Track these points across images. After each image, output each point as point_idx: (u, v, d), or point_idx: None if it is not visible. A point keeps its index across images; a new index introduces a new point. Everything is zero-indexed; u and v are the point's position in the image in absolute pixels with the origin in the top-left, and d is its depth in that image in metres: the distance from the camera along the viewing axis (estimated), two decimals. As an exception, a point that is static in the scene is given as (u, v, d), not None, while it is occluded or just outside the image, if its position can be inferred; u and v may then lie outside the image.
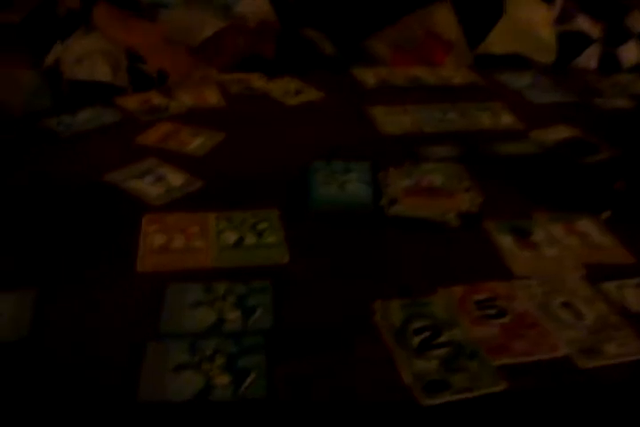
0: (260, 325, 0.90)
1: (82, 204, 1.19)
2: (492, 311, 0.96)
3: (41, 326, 0.92)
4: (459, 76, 1.84)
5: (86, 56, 1.84)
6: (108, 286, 0.99)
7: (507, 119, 1.58)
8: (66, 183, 1.25)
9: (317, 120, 1.56)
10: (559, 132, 1.56)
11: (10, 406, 0.80)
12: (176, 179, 1.24)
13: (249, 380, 0.82)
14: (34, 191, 1.23)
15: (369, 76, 1.81)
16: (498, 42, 2.07)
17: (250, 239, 1.08)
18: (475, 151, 1.43)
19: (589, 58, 2.11)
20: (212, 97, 1.63)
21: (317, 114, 1.60)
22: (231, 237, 1.08)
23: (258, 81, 1.74)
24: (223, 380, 0.82)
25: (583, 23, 2.10)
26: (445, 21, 2.05)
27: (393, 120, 1.56)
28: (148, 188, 1.21)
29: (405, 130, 1.52)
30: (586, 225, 1.19)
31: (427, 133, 1.51)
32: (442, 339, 0.90)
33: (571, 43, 2.09)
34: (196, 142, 1.39)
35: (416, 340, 0.89)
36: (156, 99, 1.59)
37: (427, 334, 0.91)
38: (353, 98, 1.70)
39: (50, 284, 1.00)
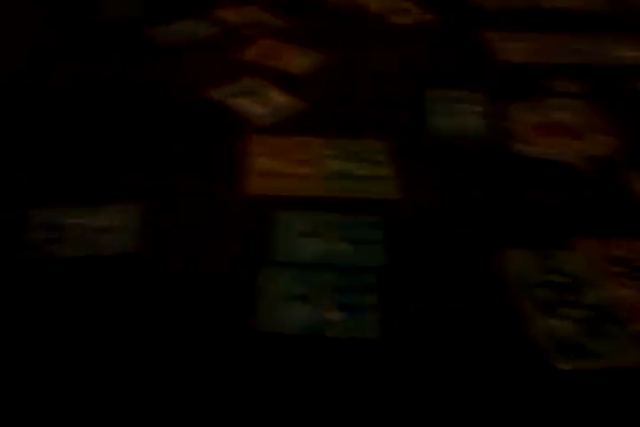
0: (372, 262, 0.81)
1: (184, 119, 1.11)
2: (636, 272, 0.86)
3: (150, 241, 0.86)
4: (589, 2, 1.65)
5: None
6: (213, 205, 0.93)
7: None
8: (168, 97, 1.16)
9: (429, 44, 1.42)
10: None
11: (123, 324, 0.76)
12: (280, 99, 1.14)
13: (361, 318, 0.75)
14: (136, 103, 1.15)
15: (487, -2, 1.65)
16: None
17: (360, 170, 0.98)
18: (610, 88, 1.27)
19: None
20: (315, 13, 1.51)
21: (430, 36, 1.44)
22: (340, 167, 0.98)
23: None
24: (334, 316, 0.75)
25: None
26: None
27: (515, 48, 1.41)
28: (251, 107, 1.11)
29: (529, 59, 1.36)
30: None
31: (554, 64, 1.33)
32: (580, 298, 0.79)
33: None
34: (299, 61, 1.27)
35: (549, 295, 0.79)
36: (257, 13, 1.49)
37: (562, 290, 0.80)
38: (469, 21, 1.55)
39: (155, 199, 0.94)
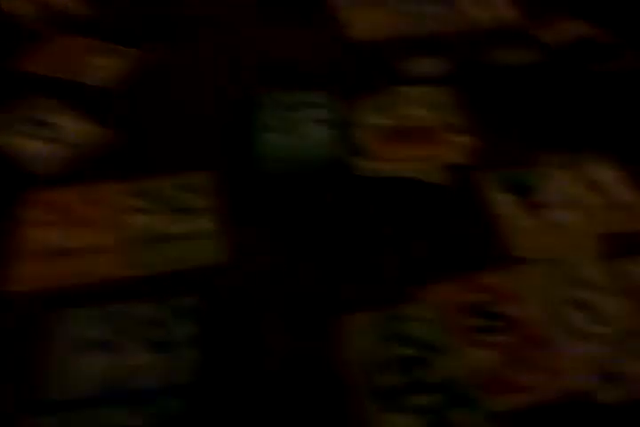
0: (178, 378, 0.64)
1: None
2: (491, 323, 0.74)
3: None
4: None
5: None
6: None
7: (505, 13, 1.26)
8: None
9: (255, 23, 1.19)
10: (570, 30, 1.26)
11: None
12: (73, 130, 0.91)
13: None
14: None
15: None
16: None
17: (173, 225, 0.79)
18: (468, 64, 1.10)
19: None
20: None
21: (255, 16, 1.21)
22: (148, 224, 0.80)
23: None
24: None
25: None
26: None
27: (364, 19, 1.22)
28: (30, 146, 0.87)
29: (379, 33, 1.18)
30: (602, 171, 0.93)
31: (407, 37, 1.17)
32: (427, 375, 0.68)
33: None
34: (101, 66, 1.03)
35: (393, 381, 0.67)
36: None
37: (409, 368, 0.68)
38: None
39: None
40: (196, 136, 0.94)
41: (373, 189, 0.88)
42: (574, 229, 0.85)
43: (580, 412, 0.66)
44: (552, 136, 0.97)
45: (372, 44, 1.15)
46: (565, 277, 0.79)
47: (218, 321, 0.71)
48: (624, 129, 0.99)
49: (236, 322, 0.71)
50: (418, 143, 0.96)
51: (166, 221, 0.80)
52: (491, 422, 0.64)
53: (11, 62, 1.04)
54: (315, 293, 0.75)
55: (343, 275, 0.77)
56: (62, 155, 0.87)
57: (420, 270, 0.78)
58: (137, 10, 1.18)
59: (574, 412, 0.66)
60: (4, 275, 0.73)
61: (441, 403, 0.65)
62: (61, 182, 0.84)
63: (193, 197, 0.84)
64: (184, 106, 0.99)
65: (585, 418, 0.66)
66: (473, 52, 1.13)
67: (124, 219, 0.81)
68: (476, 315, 0.74)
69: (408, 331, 0.71)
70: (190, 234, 0.79)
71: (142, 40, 1.11)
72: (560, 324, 0.73)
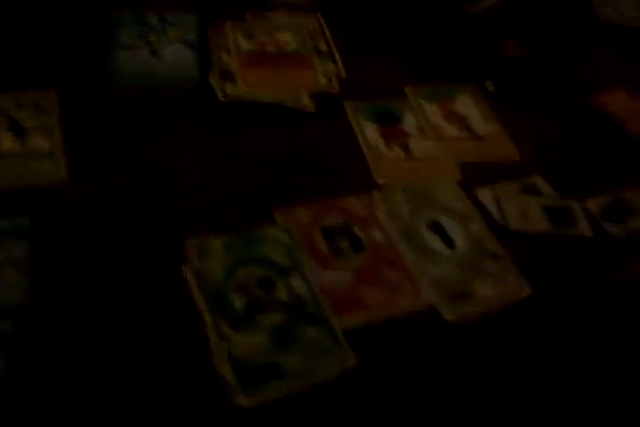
0: (6, 300, 0.60)
1: None
2: (344, 244, 0.74)
3: None
4: None
5: None
6: None
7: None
8: None
9: None
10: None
11: None
12: None
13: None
14: None
15: None
16: None
17: (8, 142, 0.73)
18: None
19: None
20: None
21: None
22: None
23: None
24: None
25: None
26: None
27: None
28: None
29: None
30: (466, 104, 0.95)
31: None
32: (278, 296, 0.66)
33: None
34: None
35: (241, 302, 0.66)
36: None
37: (261, 289, 0.67)
38: None
39: None
40: (41, 52, 0.85)
41: (236, 113, 0.86)
42: (435, 159, 0.86)
43: (428, 330, 0.68)
44: (419, 68, 0.98)
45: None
46: (423, 202, 0.81)
47: (52, 242, 0.66)
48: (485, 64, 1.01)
49: (73, 244, 0.67)
50: (285, 69, 0.92)
51: (2, 140, 0.73)
52: (338, 339, 0.64)
53: None
54: (164, 215, 0.72)
55: (195, 197, 0.75)
56: None
57: (279, 194, 0.77)
58: None
59: (422, 330, 0.68)
60: None
61: (290, 321, 0.64)
62: None
63: (33, 115, 0.76)
64: (32, 21, 0.90)
65: (432, 335, 0.68)
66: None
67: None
68: (331, 237, 0.74)
69: (262, 252, 0.70)
70: (27, 153, 0.72)
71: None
72: (415, 246, 0.75)
